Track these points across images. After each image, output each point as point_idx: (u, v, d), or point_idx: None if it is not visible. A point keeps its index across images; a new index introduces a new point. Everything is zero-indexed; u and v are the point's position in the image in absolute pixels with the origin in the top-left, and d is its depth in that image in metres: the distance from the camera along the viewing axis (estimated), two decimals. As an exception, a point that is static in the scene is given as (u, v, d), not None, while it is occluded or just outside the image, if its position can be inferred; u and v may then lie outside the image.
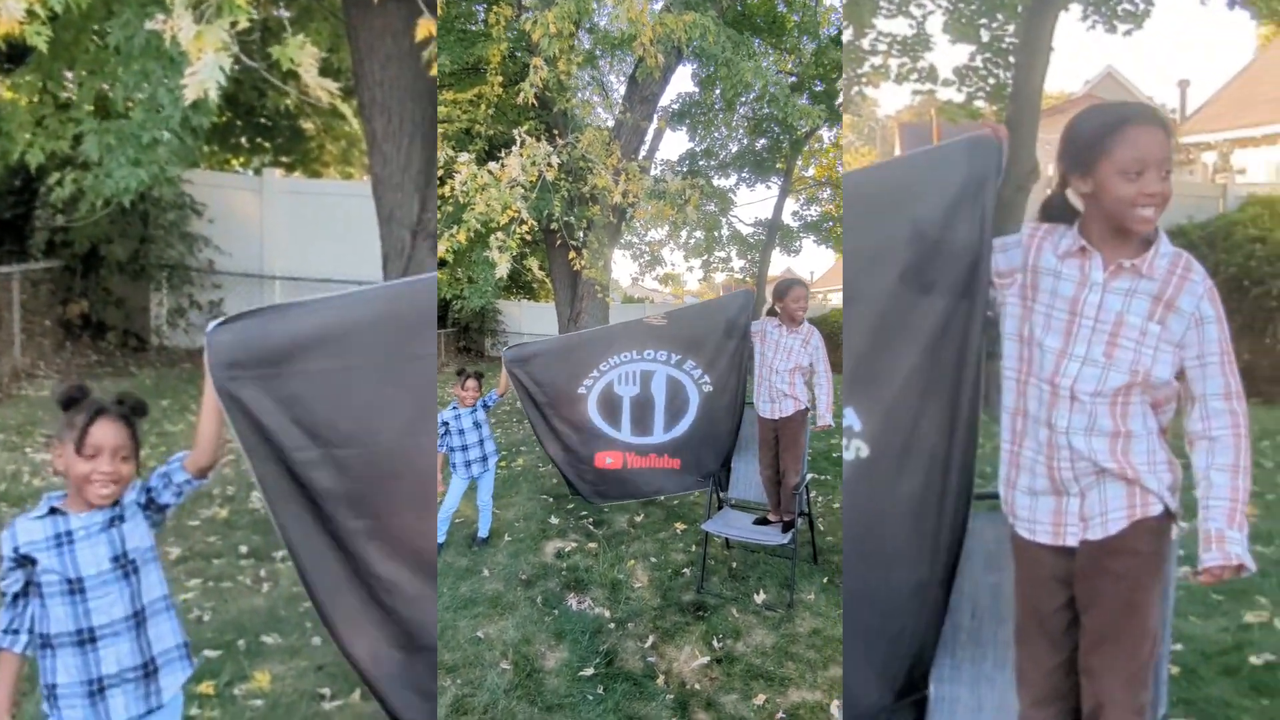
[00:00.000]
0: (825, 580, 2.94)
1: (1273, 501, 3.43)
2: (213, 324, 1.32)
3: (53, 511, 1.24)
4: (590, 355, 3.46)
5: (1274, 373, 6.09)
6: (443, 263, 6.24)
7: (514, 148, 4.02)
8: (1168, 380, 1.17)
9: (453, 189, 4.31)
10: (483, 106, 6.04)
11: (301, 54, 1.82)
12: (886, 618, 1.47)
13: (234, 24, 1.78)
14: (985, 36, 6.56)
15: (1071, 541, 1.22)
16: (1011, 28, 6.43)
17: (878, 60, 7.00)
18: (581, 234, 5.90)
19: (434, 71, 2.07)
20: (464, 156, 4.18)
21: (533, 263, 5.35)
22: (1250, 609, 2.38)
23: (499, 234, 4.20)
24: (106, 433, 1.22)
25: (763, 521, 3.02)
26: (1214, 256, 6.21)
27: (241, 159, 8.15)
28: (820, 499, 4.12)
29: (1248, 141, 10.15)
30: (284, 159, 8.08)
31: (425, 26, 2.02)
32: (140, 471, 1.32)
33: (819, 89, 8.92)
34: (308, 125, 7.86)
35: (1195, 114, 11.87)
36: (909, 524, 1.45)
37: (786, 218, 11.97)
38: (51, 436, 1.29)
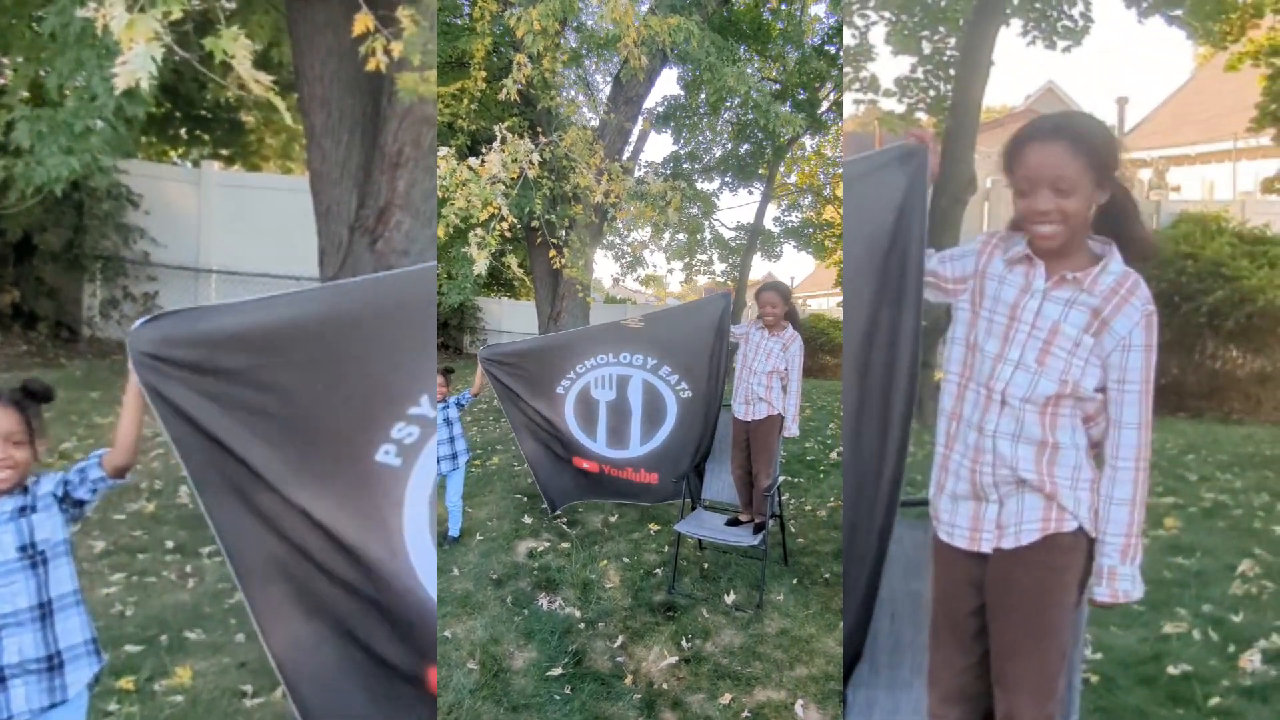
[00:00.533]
0: (795, 581, 2.98)
1: (1194, 515, 3.51)
2: (139, 321, 1.30)
3: None
4: (567, 356, 3.45)
5: (1201, 388, 6.24)
6: (421, 257, 6.15)
7: (495, 143, 3.98)
8: (1095, 393, 1.18)
9: (432, 183, 4.24)
10: (465, 101, 5.97)
11: (235, 46, 1.78)
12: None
13: (167, 14, 1.74)
14: (926, 49, 6.69)
15: (986, 548, 1.23)
16: (953, 41, 6.55)
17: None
18: (563, 233, 5.89)
19: (372, 66, 2.04)
20: (444, 150, 4.12)
21: (512, 260, 5.30)
22: (1170, 620, 2.43)
23: (478, 230, 4.15)
24: None
25: (734, 522, 3.05)
26: (1145, 272, 6.44)
27: (180, 150, 7.98)
28: (793, 501, 4.17)
29: (1182, 159, 10.55)
30: (223, 151, 7.94)
31: (362, 21, 1.99)
32: (66, 464, 1.29)
33: (802, 97, 9.05)
34: (248, 118, 7.70)
35: (1132, 131, 12.32)
36: (845, 530, 1.49)
37: (768, 223, 12.12)
38: None
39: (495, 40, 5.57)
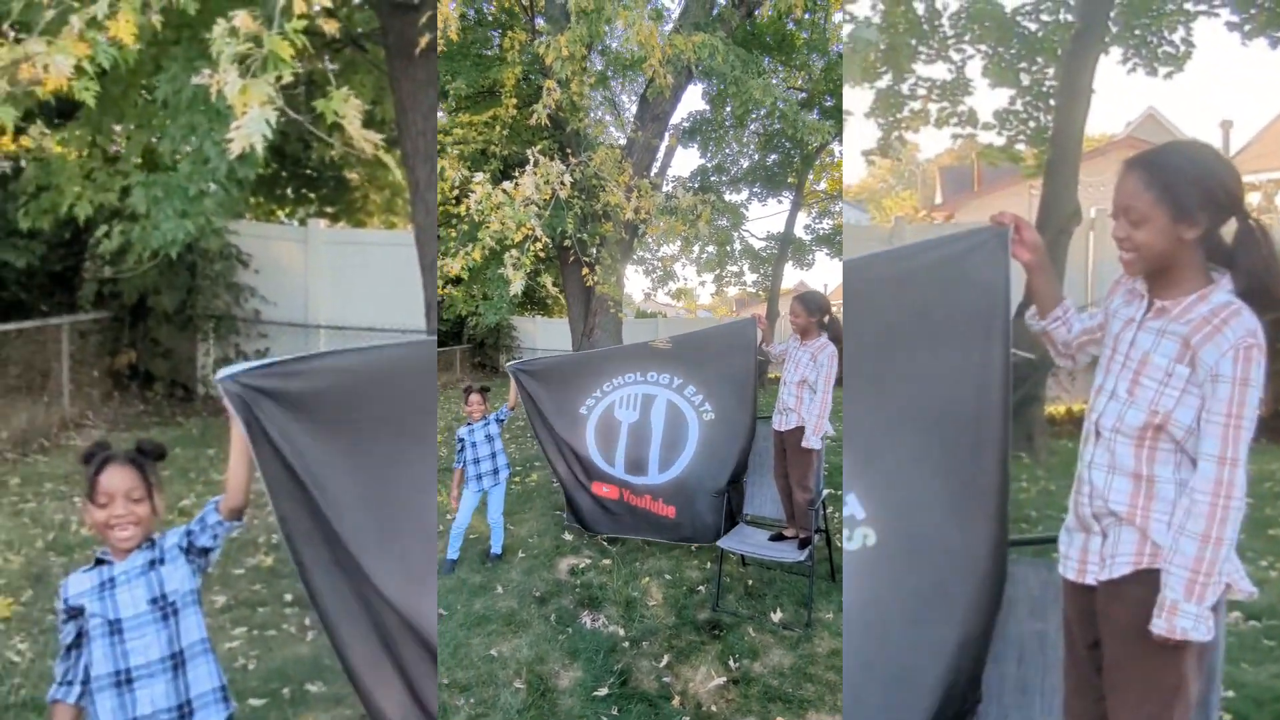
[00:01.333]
0: (844, 598, 2.87)
1: None
2: (223, 371, 1.36)
3: (99, 563, 1.30)
4: (595, 374, 3.47)
5: None
6: (458, 280, 6.33)
7: (528, 167, 4.09)
8: (1191, 425, 1.14)
9: (468, 208, 4.39)
10: (497, 128, 6.18)
11: (346, 106, 1.88)
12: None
13: (279, 78, 1.84)
14: (1025, 80, 6.57)
15: (1090, 580, 1.22)
16: (1051, 71, 6.42)
17: (917, 105, 7.00)
18: (594, 250, 5.97)
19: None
20: (479, 176, 4.26)
21: (546, 279, 5.40)
22: None
23: (513, 251, 4.26)
24: (114, 478, 1.28)
25: (778, 537, 2.98)
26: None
27: (287, 209, 8.23)
28: (838, 515, 4.05)
29: None
30: (329, 209, 8.16)
31: None
32: (187, 520, 1.37)
33: (829, 104, 8.98)
34: (352, 176, 8.02)
35: (1238, 154, 11.70)
36: (921, 613, 1.46)
37: (799, 231, 11.98)
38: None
39: (525, 68, 5.76)
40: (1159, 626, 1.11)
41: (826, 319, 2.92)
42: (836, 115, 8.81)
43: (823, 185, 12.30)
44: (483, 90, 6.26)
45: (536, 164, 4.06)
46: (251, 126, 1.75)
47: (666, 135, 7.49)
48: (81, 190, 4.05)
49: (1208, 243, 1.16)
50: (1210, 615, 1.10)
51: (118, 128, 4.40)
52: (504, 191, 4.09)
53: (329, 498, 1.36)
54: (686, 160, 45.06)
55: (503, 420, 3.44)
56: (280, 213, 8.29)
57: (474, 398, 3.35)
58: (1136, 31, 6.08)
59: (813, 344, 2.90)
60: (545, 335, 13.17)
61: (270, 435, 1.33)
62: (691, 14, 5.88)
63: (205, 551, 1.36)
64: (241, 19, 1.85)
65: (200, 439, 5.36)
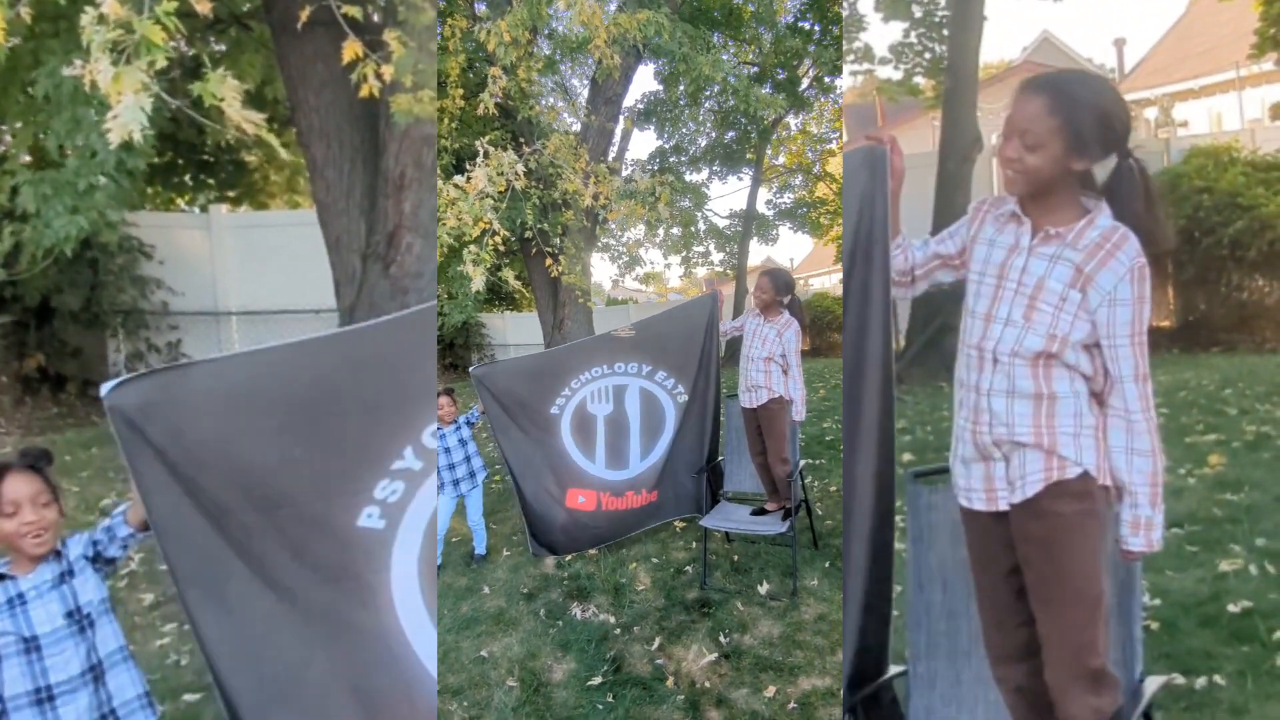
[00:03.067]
0: (827, 565, 2.94)
1: (1238, 449, 3.45)
2: (110, 383, 1.23)
3: (1, 578, 1.25)
4: (561, 371, 3.35)
5: (1231, 321, 6.12)
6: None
7: (479, 159, 3.98)
8: (1084, 347, 1.18)
9: (421, 206, 4.25)
10: (445, 120, 5.98)
11: (223, 88, 1.78)
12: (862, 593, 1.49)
13: (152, 64, 1.74)
14: (918, 12, 6.60)
15: (1004, 506, 1.23)
16: (943, 1, 6.45)
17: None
18: (557, 240, 5.88)
19: (365, 92, 2.03)
20: (430, 172, 4.12)
21: (509, 273, 5.30)
22: (1225, 557, 2.39)
23: (472, 247, 4.15)
24: (18, 486, 1.24)
25: (760, 512, 3.02)
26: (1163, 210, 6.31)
27: (186, 197, 8.01)
28: (816, 483, 4.13)
29: (1186, 94, 10.31)
30: (229, 193, 7.96)
31: (350, 48, 1.99)
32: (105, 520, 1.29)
33: (781, 77, 8.97)
34: (250, 158, 7.77)
35: (1133, 72, 12.06)
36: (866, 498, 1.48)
37: (761, 207, 12.03)
38: None
39: (469, 57, 5.57)
40: (1138, 544, 1.15)
41: (789, 298, 2.96)
42: (789, 88, 8.81)
43: (781, 159, 12.34)
44: (427, 82, 6.02)
45: (487, 155, 3.94)
46: (128, 115, 1.66)
47: (621, 118, 7.37)
48: None
49: (1085, 173, 1.18)
50: (1103, 459, 1.17)
51: (1, 126, 4.18)
52: (456, 186, 3.97)
53: (230, 528, 1.24)
54: (644, 142, 44.70)
55: (474, 423, 3.36)
56: (180, 201, 8.02)
57: (442, 400, 3.26)
58: None
59: (778, 321, 2.94)
60: (516, 330, 12.99)
61: (153, 456, 1.21)
62: (635, -9, 5.76)
63: (111, 561, 1.32)
64: (109, 5, 1.73)
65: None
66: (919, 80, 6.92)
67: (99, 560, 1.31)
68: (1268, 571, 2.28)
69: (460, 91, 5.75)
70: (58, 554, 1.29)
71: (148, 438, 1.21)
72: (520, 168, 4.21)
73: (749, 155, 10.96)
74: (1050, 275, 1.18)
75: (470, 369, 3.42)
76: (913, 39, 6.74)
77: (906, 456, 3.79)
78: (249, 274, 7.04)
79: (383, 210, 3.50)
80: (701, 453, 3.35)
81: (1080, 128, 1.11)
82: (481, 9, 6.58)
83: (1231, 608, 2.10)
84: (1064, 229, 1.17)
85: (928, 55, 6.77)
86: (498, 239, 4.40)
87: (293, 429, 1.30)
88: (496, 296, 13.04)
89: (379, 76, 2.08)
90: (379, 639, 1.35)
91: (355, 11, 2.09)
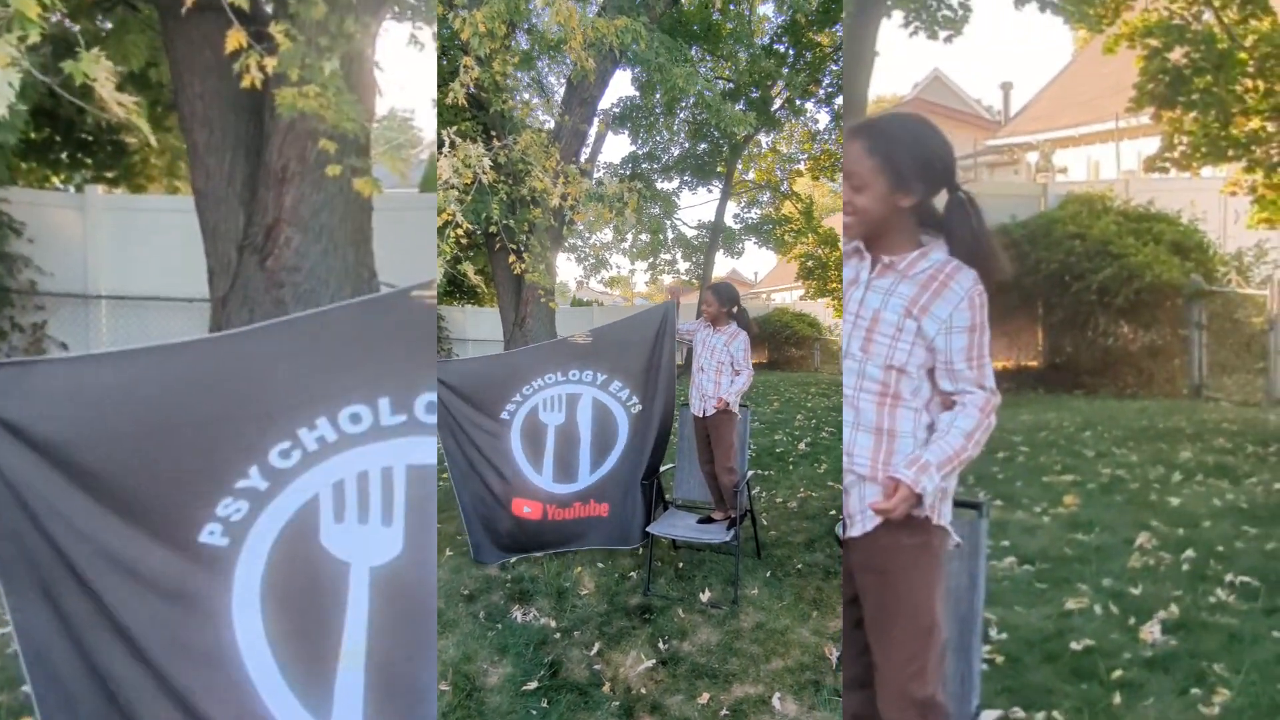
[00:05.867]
0: (768, 574, 3.01)
1: (1093, 490, 3.55)
2: None
3: None
4: (513, 377, 3.26)
5: (1095, 365, 6.31)
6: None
7: (444, 149, 3.89)
8: (921, 374, 1.21)
9: (382, 192, 4.12)
10: (414, 106, 5.83)
11: (96, 69, 1.69)
12: None
13: (24, 38, 1.64)
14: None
15: (854, 533, 1.26)
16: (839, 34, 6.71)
17: None
18: (523, 238, 5.81)
19: (247, 83, 1.97)
20: (393, 158, 4.01)
21: (469, 267, 5.20)
22: (1072, 596, 2.44)
23: (433, 238, 4.05)
24: None
25: (707, 520, 3.06)
26: (1035, 253, 6.38)
27: (62, 176, 7.58)
28: (763, 494, 4.22)
29: (1067, 141, 10.97)
30: (107, 174, 7.57)
31: (234, 38, 1.93)
32: None
33: (754, 96, 9.18)
34: (130, 139, 7.42)
35: (1017, 116, 12.77)
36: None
37: (729, 220, 12.25)
38: None
39: (443, 44, 5.46)
40: (905, 475, 1.14)
41: (736, 309, 3.04)
42: (761, 107, 9.03)
43: (751, 175, 12.62)
44: (397, 65, 5.87)
45: (454, 146, 3.87)
46: None
47: (596, 120, 7.37)
48: None
49: (921, 211, 1.22)
50: (939, 501, 1.16)
51: None
52: (420, 174, 3.87)
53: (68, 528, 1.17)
54: (618, 146, 44.82)
55: None
56: (55, 179, 7.57)
57: None
58: None
59: (725, 330, 3.01)
60: (475, 325, 12.72)
61: None
62: (616, -3, 5.79)
63: None
64: None
65: None
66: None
67: None
68: (1111, 611, 2.33)
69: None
70: None
71: None
72: (488, 161, 4.15)
73: (720, 169, 11.17)
74: (885, 307, 1.21)
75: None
76: None
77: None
78: (122, 258, 6.74)
79: (263, 202, 3.36)
80: (653, 463, 3.35)
81: (898, 166, 1.16)
82: (459, -3, 6.45)
83: (1074, 645, 2.14)
84: (896, 258, 1.21)
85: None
86: (460, 231, 4.32)
87: (139, 436, 1.24)
88: (458, 290, 12.75)
89: (261, 68, 2.01)
90: (214, 665, 1.27)
91: (242, 0, 2.02)
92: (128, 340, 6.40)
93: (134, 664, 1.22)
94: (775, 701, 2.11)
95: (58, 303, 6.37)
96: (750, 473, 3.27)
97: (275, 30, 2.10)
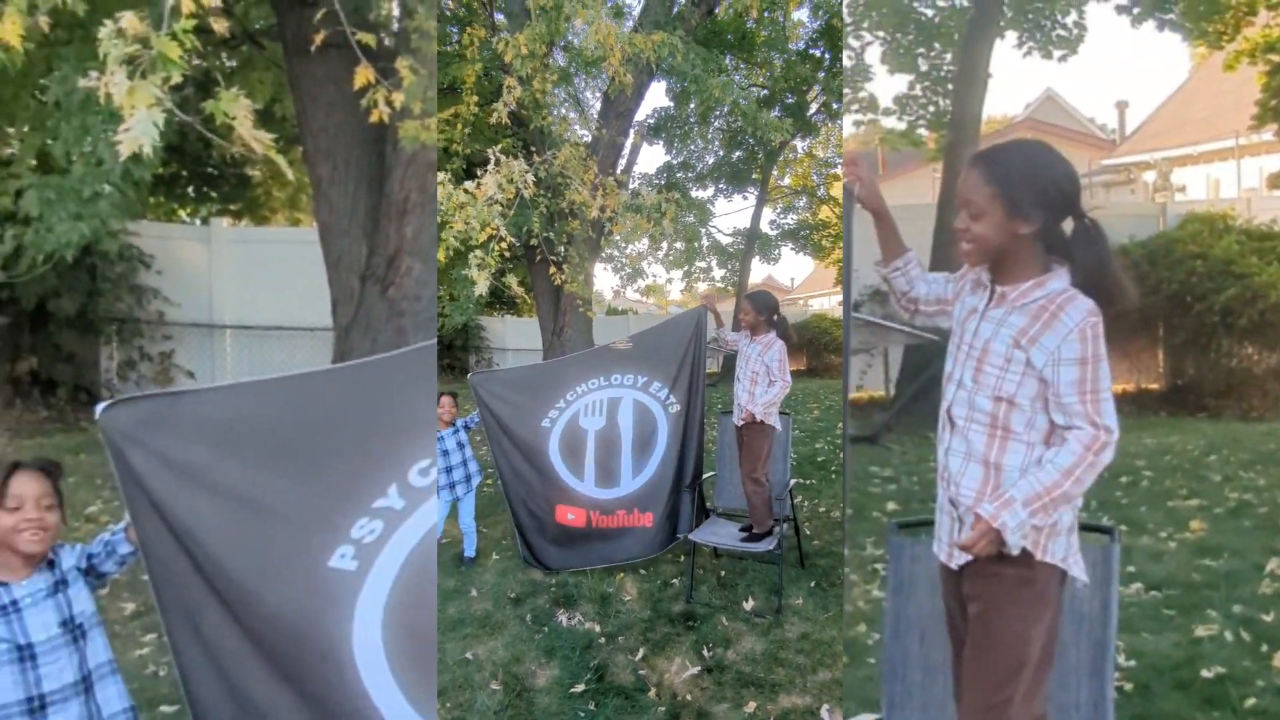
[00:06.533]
0: (812, 584, 2.97)
1: (1220, 515, 3.44)
2: (105, 403, 1.25)
3: None
4: (558, 383, 3.34)
5: (1219, 387, 6.14)
6: (423, 281, 6.21)
7: (490, 166, 4.05)
8: (1034, 406, 1.17)
9: (430, 208, 4.31)
10: (459, 126, 6.08)
11: (235, 107, 1.83)
12: None
13: (167, 79, 1.78)
14: (923, 65, 6.77)
15: (954, 565, 1.26)
16: (949, 56, 6.62)
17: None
18: (562, 249, 5.95)
19: (375, 118, 2.10)
20: (441, 176, 4.20)
21: (512, 279, 5.36)
22: (1201, 622, 2.40)
23: (478, 252, 4.21)
24: (26, 483, 1.24)
25: (750, 535, 3.04)
26: (1155, 274, 6.26)
27: (188, 209, 8.07)
28: (806, 503, 4.16)
29: (1186, 160, 10.46)
30: (231, 207, 8.01)
31: (363, 74, 2.05)
32: (93, 526, 1.30)
33: (790, 101, 9.13)
34: (254, 173, 7.85)
35: (1134, 134, 12.26)
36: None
37: (764, 226, 12.17)
38: None
39: (485, 65, 5.69)
40: (986, 510, 1.13)
41: (775, 317, 3.00)
42: (798, 113, 8.97)
43: (787, 181, 12.51)
44: (443, 88, 6.15)
45: (498, 163, 4.02)
46: (139, 129, 1.70)
47: (631, 132, 7.49)
48: None
49: (1048, 238, 1.19)
50: (1030, 532, 1.13)
51: (9, 130, 4.21)
52: (466, 191, 4.04)
53: (206, 553, 1.24)
54: (653, 157, 45.19)
55: (471, 427, 3.35)
56: (182, 212, 8.04)
57: (445, 400, 3.27)
58: (1030, 15, 6.26)
59: (762, 340, 2.98)
60: (515, 335, 13.02)
61: (139, 481, 1.23)
62: (652, 12, 5.91)
63: (103, 575, 1.33)
64: (128, 20, 1.78)
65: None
66: (922, 132, 7.08)
67: (91, 573, 1.32)
68: (1242, 638, 2.29)
69: (475, 99, 5.85)
70: (50, 563, 1.28)
71: (136, 459, 1.22)
72: (530, 176, 4.29)
73: (755, 175, 11.12)
74: (995, 337, 1.20)
75: (469, 375, 3.45)
76: (918, 92, 6.91)
77: (890, 506, 3.79)
78: (246, 288, 7.06)
79: (385, 233, 3.55)
80: (693, 466, 3.37)
81: (1016, 193, 1.15)
82: (500, 19, 6.70)
83: (1205, 673, 2.10)
84: (1010, 288, 1.20)
85: (931, 108, 6.92)
86: (503, 245, 4.47)
87: (278, 462, 1.30)
88: (498, 300, 13.09)
89: (389, 103, 2.15)
90: (339, 691, 1.31)
91: (369, 38, 2.15)
92: (251, 369, 6.69)
93: (270, 685, 1.28)
94: (824, 713, 2.09)
95: (184, 332, 6.71)
96: (792, 481, 3.24)
97: (400, 65, 2.24)
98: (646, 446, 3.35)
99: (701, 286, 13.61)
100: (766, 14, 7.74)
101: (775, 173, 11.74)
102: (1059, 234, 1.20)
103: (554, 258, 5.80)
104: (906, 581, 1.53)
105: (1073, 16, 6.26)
